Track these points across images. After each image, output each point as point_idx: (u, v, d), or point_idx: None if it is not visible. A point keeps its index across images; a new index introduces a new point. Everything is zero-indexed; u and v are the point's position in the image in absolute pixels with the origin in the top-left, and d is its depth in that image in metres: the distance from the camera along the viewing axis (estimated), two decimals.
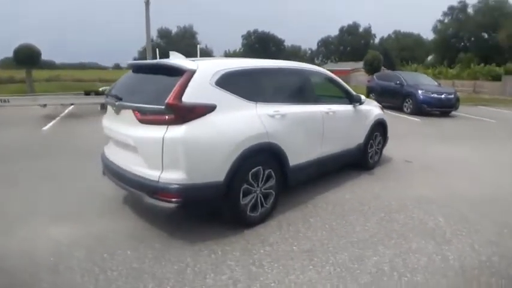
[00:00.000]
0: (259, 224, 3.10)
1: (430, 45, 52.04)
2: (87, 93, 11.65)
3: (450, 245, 2.82)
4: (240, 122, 2.86)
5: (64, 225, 3.03)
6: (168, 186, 2.57)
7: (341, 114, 4.10)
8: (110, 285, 2.23)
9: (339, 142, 4.14)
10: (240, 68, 3.07)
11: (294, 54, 70.10)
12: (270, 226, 3.10)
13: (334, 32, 77.42)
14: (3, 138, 6.84)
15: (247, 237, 2.88)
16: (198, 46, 13.43)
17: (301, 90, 3.71)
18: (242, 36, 75.14)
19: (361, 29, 69.84)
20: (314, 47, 78.52)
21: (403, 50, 55.37)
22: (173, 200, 2.59)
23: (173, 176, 2.57)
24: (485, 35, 42.61)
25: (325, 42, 75.17)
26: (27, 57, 14.29)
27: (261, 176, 3.03)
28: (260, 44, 71.59)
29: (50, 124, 8.52)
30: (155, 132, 2.58)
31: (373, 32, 69.74)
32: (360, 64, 31.72)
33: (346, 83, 4.64)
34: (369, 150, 4.79)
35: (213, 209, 2.96)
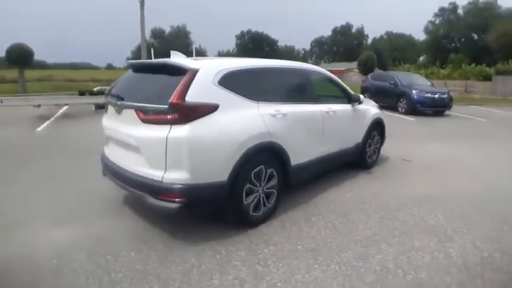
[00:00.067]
0: (261, 223, 3.09)
1: (421, 45, 52.66)
2: (82, 94, 11.56)
3: (452, 242, 2.85)
4: (243, 121, 2.85)
5: (64, 227, 2.99)
6: (171, 186, 2.55)
7: (340, 114, 4.12)
8: (115, 287, 2.20)
9: (339, 141, 4.16)
10: (241, 68, 3.07)
11: (288, 54, 70.25)
12: (273, 225, 3.10)
13: (327, 32, 77.88)
14: None
15: (251, 237, 2.87)
16: (194, 46, 13.38)
17: (301, 90, 3.72)
18: (236, 36, 75.17)
19: (354, 30, 70.40)
20: (307, 47, 78.98)
21: (395, 50, 55.90)
22: (177, 200, 2.57)
23: (177, 176, 2.55)
24: (475, 36, 43.27)
25: (318, 43, 75.57)
26: (19, 57, 14.11)
27: (263, 175, 3.02)
28: (254, 44, 71.58)
29: (44, 125, 8.39)
30: (158, 132, 2.56)
31: (365, 32, 70.45)
32: (353, 64, 31.98)
33: None
34: (367, 150, 4.82)
35: (216, 209, 2.95)
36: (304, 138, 3.49)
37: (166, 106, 2.50)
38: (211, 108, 2.65)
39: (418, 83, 12.33)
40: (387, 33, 67.06)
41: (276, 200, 3.23)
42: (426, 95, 11.17)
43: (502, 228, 3.11)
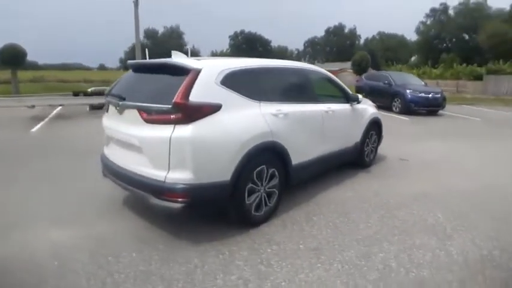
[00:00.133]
0: (263, 223, 3.09)
1: (413, 46, 53.23)
2: (76, 94, 11.45)
3: (452, 240, 2.89)
4: (245, 121, 2.85)
5: (63, 228, 2.95)
6: (174, 186, 2.54)
7: (340, 113, 4.14)
8: None
9: (338, 141, 4.19)
10: (243, 67, 3.07)
11: (281, 54, 70.38)
12: (275, 225, 3.10)
13: (320, 32, 78.23)
14: None
15: (253, 237, 2.88)
16: (188, 47, 13.31)
17: (302, 90, 3.73)
18: (229, 36, 75.11)
19: (346, 30, 70.84)
20: (301, 47, 79.24)
21: (387, 50, 56.35)
22: (180, 200, 2.56)
23: (180, 176, 2.54)
24: (466, 36, 43.89)
25: (311, 43, 75.92)
26: (12, 58, 13.92)
27: (265, 175, 3.03)
28: (247, 44, 71.58)
29: (39, 126, 8.29)
30: (161, 131, 2.54)
31: (358, 33, 70.94)
32: (346, 64, 32.17)
33: None
34: (365, 149, 4.86)
35: (218, 209, 2.94)
36: (305, 138, 3.50)
37: (169, 106, 2.49)
38: (214, 108, 2.64)
39: (412, 82, 12.45)
40: (379, 33, 67.64)
41: (278, 200, 3.24)
42: (420, 94, 11.29)
43: (500, 227, 3.15)
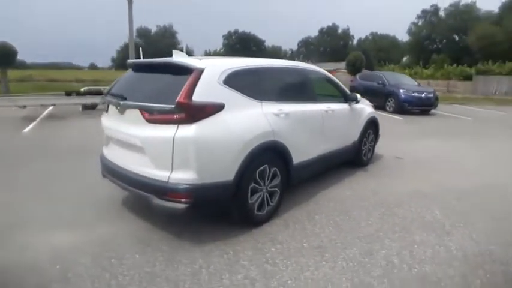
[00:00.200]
0: (265, 222, 3.11)
1: (405, 46, 53.90)
2: (69, 94, 11.29)
3: (451, 236, 2.94)
4: (248, 120, 2.86)
5: (63, 231, 2.91)
6: (178, 186, 2.53)
7: (339, 113, 4.18)
8: None
9: (337, 140, 4.22)
10: (245, 67, 3.07)
11: (275, 54, 70.46)
12: (277, 224, 3.12)
13: (314, 33, 78.48)
14: None
15: (256, 236, 2.88)
16: (184, 46, 13.24)
17: (302, 89, 3.76)
18: (223, 36, 74.87)
19: (339, 31, 71.25)
20: (295, 47, 79.42)
21: (380, 51, 56.87)
22: (183, 200, 2.55)
23: (183, 176, 2.53)
24: (456, 37, 44.62)
25: (305, 43, 76.11)
26: (2, 56, 13.63)
27: (267, 174, 3.04)
28: (241, 44, 71.47)
29: (31, 126, 8.16)
30: (164, 132, 2.53)
31: (351, 33, 71.40)
32: (340, 64, 32.37)
33: None
34: (363, 148, 4.91)
35: (221, 208, 2.94)
36: (305, 137, 3.53)
37: (173, 106, 2.48)
38: (217, 108, 2.64)
39: (405, 82, 12.62)
40: (372, 34, 68.25)
41: (279, 199, 3.25)
42: (413, 94, 11.45)
43: (494, 222, 3.22)
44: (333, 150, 4.13)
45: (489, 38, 33.44)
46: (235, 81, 2.86)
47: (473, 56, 34.72)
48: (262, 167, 2.96)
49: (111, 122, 3.09)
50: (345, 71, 25.42)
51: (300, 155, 3.41)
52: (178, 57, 2.96)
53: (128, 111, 2.80)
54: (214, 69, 2.76)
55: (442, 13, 47.16)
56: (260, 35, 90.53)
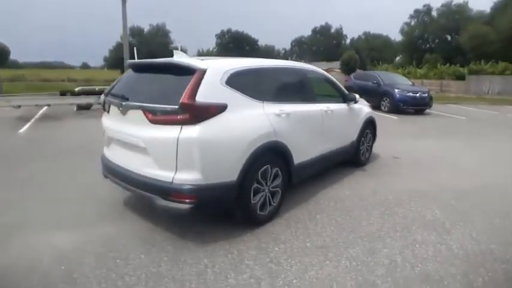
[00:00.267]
0: (268, 222, 3.12)
1: (398, 46, 54.30)
2: (63, 94, 11.20)
3: (451, 235, 2.99)
4: (250, 121, 2.87)
5: (65, 233, 2.89)
6: (182, 187, 2.54)
7: (338, 113, 4.22)
8: None
9: (336, 140, 4.26)
10: (246, 67, 3.08)
11: (268, 54, 70.51)
12: (279, 224, 3.14)
13: (307, 32, 78.71)
14: None
15: (259, 236, 2.90)
16: (179, 46, 13.18)
17: (302, 90, 3.78)
18: (216, 35, 74.60)
19: (333, 30, 71.54)
20: (288, 47, 79.56)
21: (373, 50, 57.24)
22: (187, 201, 2.56)
23: (187, 177, 2.54)
24: (449, 37, 45.10)
25: (298, 42, 76.29)
26: None
27: (269, 174, 3.06)
28: (234, 43, 71.28)
29: (26, 126, 8.07)
30: (168, 132, 2.53)
31: (344, 33, 71.74)
32: (333, 64, 32.59)
33: None
34: (361, 148, 4.96)
35: (223, 209, 2.95)
36: (306, 137, 3.55)
37: (176, 106, 2.48)
38: (220, 108, 2.65)
39: (399, 82, 12.73)
40: (365, 33, 68.65)
41: (281, 199, 3.27)
42: (408, 94, 11.56)
43: (493, 221, 3.28)
44: (332, 150, 4.16)
45: (481, 38, 33.90)
46: (237, 81, 2.87)
47: (466, 55, 35.14)
48: (264, 167, 2.98)
49: (113, 122, 3.08)
50: (339, 70, 25.60)
51: (300, 155, 3.44)
52: (180, 58, 2.96)
53: (131, 112, 2.79)
54: (217, 69, 2.77)
55: (434, 13, 47.67)
56: (253, 34, 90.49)
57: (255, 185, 2.92)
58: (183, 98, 2.48)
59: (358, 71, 18.77)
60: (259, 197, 2.99)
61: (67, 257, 2.54)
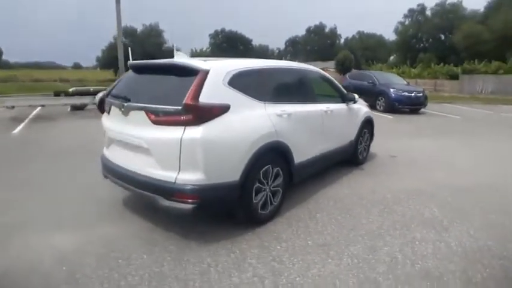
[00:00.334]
0: (269, 221, 3.14)
1: (392, 45, 54.64)
2: (57, 94, 11.13)
3: (449, 232, 3.03)
4: (253, 121, 2.89)
5: (65, 234, 2.88)
6: (185, 187, 2.54)
7: (337, 113, 4.25)
8: None
9: (336, 139, 4.30)
10: (248, 68, 3.09)
11: (262, 53, 70.55)
12: (280, 223, 3.16)
13: (301, 32, 78.95)
14: None
15: (261, 235, 2.92)
16: (174, 46, 13.13)
17: (303, 90, 3.80)
18: (209, 35, 74.33)
19: (327, 30, 71.78)
20: (282, 46, 79.67)
21: (367, 49, 57.56)
22: (190, 201, 2.57)
23: (191, 177, 2.54)
24: (443, 37, 45.50)
25: (292, 42, 76.42)
26: None
27: (270, 174, 3.08)
28: (228, 43, 71.10)
29: (20, 127, 8.02)
30: (171, 133, 2.54)
31: (338, 32, 72.01)
32: (327, 64, 32.66)
33: None
34: (359, 147, 5.00)
35: (226, 208, 2.96)
36: (306, 137, 3.58)
37: (179, 107, 2.49)
38: (223, 109, 2.66)
39: (395, 82, 12.84)
40: (359, 33, 68.98)
41: (282, 198, 3.29)
42: (403, 93, 11.66)
43: (490, 217, 3.34)
44: (332, 150, 4.19)
45: (475, 37, 34.27)
46: (239, 82, 2.88)
47: (459, 55, 35.51)
48: (265, 167, 3.00)
49: (114, 123, 3.07)
50: (333, 70, 25.70)
51: (301, 154, 3.46)
52: (181, 59, 2.96)
53: (133, 113, 2.79)
54: (219, 70, 2.78)
55: (428, 12, 48.03)
56: (247, 34, 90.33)
57: (257, 184, 2.94)
58: (187, 99, 2.49)
59: (354, 71, 18.89)
60: (260, 196, 3.01)
61: (68, 258, 2.54)
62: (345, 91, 4.59)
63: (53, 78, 39.03)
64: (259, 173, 2.93)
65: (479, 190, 4.11)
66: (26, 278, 2.32)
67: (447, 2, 45.13)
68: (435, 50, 42.13)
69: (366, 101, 12.85)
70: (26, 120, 9.01)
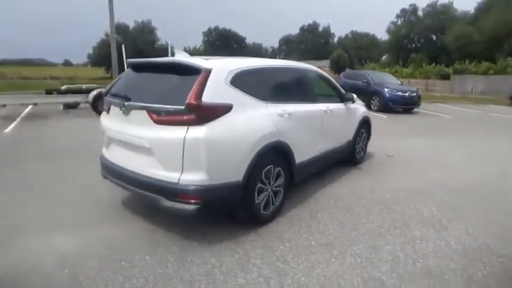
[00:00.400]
0: (271, 221, 3.15)
1: (384, 45, 55.07)
2: (49, 92, 10.95)
3: (448, 231, 3.08)
4: (255, 121, 2.88)
5: (66, 235, 2.84)
6: (188, 187, 2.53)
7: (336, 113, 4.27)
8: None
9: (334, 139, 4.32)
10: (249, 67, 3.08)
11: (256, 52, 70.50)
12: (282, 223, 3.16)
13: (295, 30, 79.09)
14: None
15: (263, 235, 2.92)
16: (169, 45, 13.05)
17: (303, 90, 3.81)
18: (203, 32, 73.94)
19: (320, 29, 72.05)
20: (276, 45, 79.71)
21: (360, 49, 57.99)
22: (193, 201, 2.55)
23: (194, 178, 2.53)
24: (434, 37, 46.04)
25: (286, 41, 76.54)
26: None
27: (272, 174, 3.08)
28: (221, 41, 70.86)
29: (11, 126, 7.87)
30: (174, 133, 2.52)
31: (332, 31, 72.34)
32: (322, 63, 32.81)
33: None
34: (356, 147, 5.03)
35: (229, 209, 2.96)
36: (307, 137, 3.59)
37: (182, 107, 2.47)
38: (226, 109, 2.65)
39: (389, 81, 12.95)
40: (352, 32, 69.43)
41: (283, 198, 3.30)
42: (397, 93, 11.78)
43: (488, 216, 3.40)
44: (331, 150, 4.21)
45: (465, 38, 34.76)
46: (241, 81, 2.87)
47: (451, 55, 35.96)
48: (267, 167, 3.00)
49: (113, 122, 3.03)
50: (328, 69, 25.80)
51: (301, 154, 3.47)
52: (182, 57, 2.94)
53: (133, 112, 2.76)
54: (222, 69, 2.76)
55: (420, 13, 48.52)
56: (241, 32, 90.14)
57: (259, 184, 2.94)
58: (190, 99, 2.47)
59: (348, 70, 19.02)
60: (262, 196, 3.01)
61: (69, 260, 2.50)
62: (343, 91, 4.61)
63: (42, 75, 38.39)
64: (261, 173, 2.93)
65: (474, 189, 4.18)
66: (27, 280, 2.29)
67: (438, 3, 45.71)
68: (427, 50, 42.61)
69: (360, 100, 12.87)
70: (18, 119, 8.85)
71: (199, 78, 2.59)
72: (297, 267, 2.46)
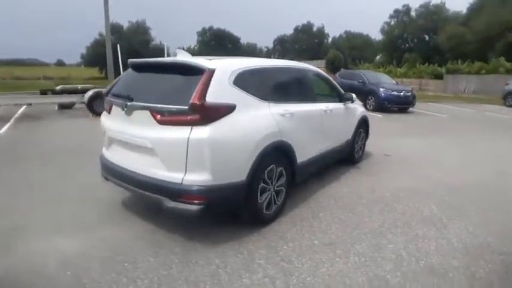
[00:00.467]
0: (273, 221, 3.15)
1: (378, 45, 55.48)
2: (43, 93, 10.82)
3: (449, 229, 3.11)
4: (258, 121, 2.88)
5: (66, 237, 2.81)
6: (192, 188, 2.52)
7: (336, 112, 4.29)
8: None
9: (334, 139, 4.34)
10: (251, 68, 3.08)
11: (250, 52, 70.45)
12: (284, 223, 3.17)
13: (289, 31, 79.24)
14: None
15: (266, 235, 2.92)
16: (165, 45, 12.97)
17: (304, 90, 3.82)
18: (197, 32, 73.70)
19: (315, 29, 72.25)
20: (270, 45, 79.73)
21: (353, 49, 58.25)
22: (197, 202, 2.54)
23: (197, 178, 2.52)
24: (427, 37, 46.49)
25: (280, 41, 76.60)
26: None
27: (274, 174, 3.08)
28: (216, 41, 70.69)
29: (6, 127, 7.77)
30: (178, 133, 2.50)
31: (326, 31, 72.61)
32: (317, 63, 32.97)
33: None
34: (355, 146, 5.06)
35: (232, 209, 2.95)
36: (308, 137, 3.60)
37: (186, 107, 2.45)
38: (230, 109, 2.64)
39: (384, 81, 13.05)
40: (346, 32, 69.73)
41: (285, 198, 3.30)
42: (392, 93, 11.87)
43: (487, 215, 3.44)
44: (330, 149, 4.23)
45: (458, 38, 35.16)
46: (244, 81, 2.87)
47: (444, 55, 36.35)
48: (270, 167, 3.00)
49: (115, 123, 3.01)
50: (323, 69, 25.88)
51: (303, 154, 3.48)
52: (185, 57, 2.93)
53: (136, 113, 2.74)
54: (225, 69, 2.76)
55: (413, 13, 48.96)
56: (235, 32, 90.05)
57: (262, 184, 2.94)
58: (193, 99, 2.46)
59: (343, 70, 19.09)
60: (265, 196, 3.01)
61: (72, 262, 2.48)
62: (342, 91, 4.63)
63: (35, 75, 37.93)
64: (264, 172, 2.93)
65: (473, 188, 4.23)
66: (30, 282, 2.26)
67: (431, 4, 46.18)
68: (420, 50, 43.02)
69: None
70: (12, 120, 8.73)
71: (202, 78, 2.58)
72: (302, 267, 2.46)
